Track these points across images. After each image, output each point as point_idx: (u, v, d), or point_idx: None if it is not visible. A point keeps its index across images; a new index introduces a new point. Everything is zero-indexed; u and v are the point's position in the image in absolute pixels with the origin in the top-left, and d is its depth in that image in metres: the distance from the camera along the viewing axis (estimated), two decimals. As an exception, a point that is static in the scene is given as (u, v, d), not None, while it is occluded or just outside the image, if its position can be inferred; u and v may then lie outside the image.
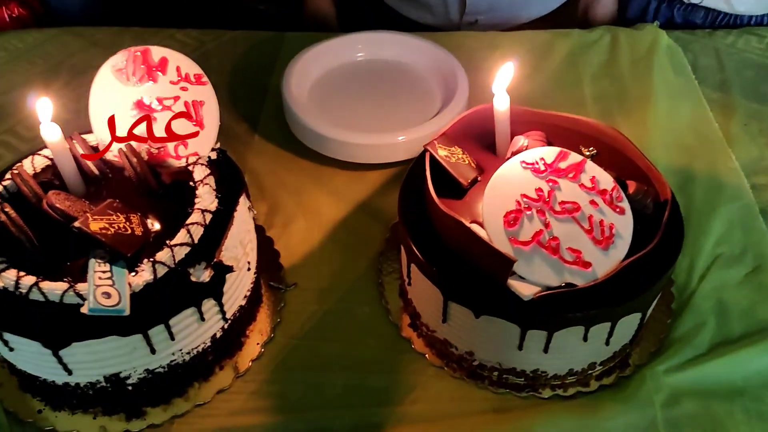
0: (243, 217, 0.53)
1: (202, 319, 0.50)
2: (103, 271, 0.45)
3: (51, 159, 0.53)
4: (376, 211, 0.65)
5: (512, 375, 0.52)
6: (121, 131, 0.51)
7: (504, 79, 0.52)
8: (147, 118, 0.50)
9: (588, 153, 0.54)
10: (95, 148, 0.54)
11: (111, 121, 0.49)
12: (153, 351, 0.48)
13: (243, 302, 0.54)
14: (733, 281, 0.58)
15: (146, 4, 0.97)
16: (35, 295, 0.45)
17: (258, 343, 0.56)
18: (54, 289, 0.45)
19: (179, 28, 0.84)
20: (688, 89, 0.76)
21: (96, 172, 0.53)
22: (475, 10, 0.95)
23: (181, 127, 0.52)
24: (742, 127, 0.71)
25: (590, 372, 0.53)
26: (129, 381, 0.49)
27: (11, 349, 0.48)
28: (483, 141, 0.56)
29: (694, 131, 0.72)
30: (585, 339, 0.48)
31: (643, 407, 0.50)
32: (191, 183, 0.52)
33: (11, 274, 0.45)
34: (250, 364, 0.54)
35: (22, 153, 0.61)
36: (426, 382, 0.53)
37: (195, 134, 0.53)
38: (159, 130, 0.52)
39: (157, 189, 0.53)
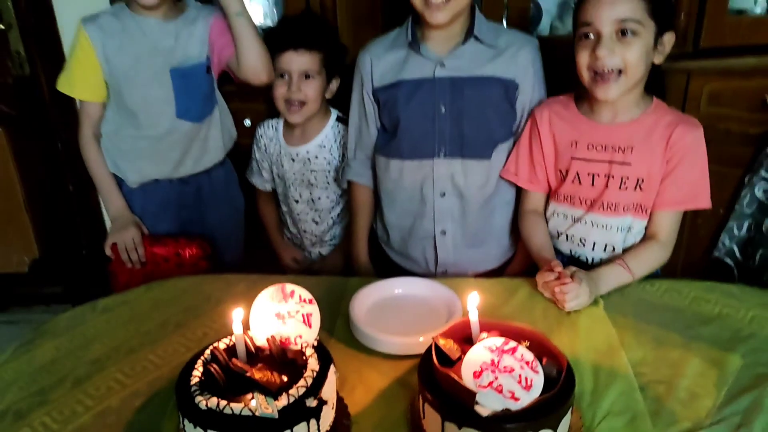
0: (331, 377, 0.94)
1: (308, 429, 0.89)
2: (263, 399, 0.87)
3: (230, 343, 0.97)
4: (406, 380, 1.03)
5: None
6: (267, 329, 0.95)
7: (473, 303, 0.97)
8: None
9: (524, 344, 0.96)
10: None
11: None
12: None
13: (328, 427, 0.94)
14: (618, 426, 0.94)
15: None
16: (227, 410, 0.86)
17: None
18: (236, 407, 0.86)
19: (286, 274, 1.34)
20: (600, 316, 1.19)
21: (253, 350, 0.97)
22: (443, 263, 1.45)
23: (298, 327, 0.97)
24: (635, 337, 1.13)
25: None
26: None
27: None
28: (465, 333, 0.99)
29: (603, 338, 1.13)
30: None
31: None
32: (304, 357, 0.95)
33: (214, 400, 0.87)
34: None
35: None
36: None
37: (306, 331, 0.97)
38: (287, 329, 0.96)
39: (286, 360, 0.96)
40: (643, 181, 1.28)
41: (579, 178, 1.32)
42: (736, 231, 1.88)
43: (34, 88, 2.12)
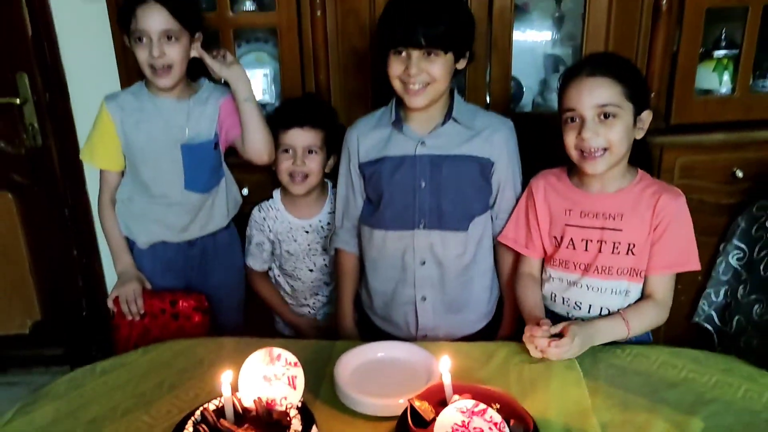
0: (313, 437, 1.01)
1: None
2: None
3: (219, 404, 1.03)
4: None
5: None
6: (255, 390, 1.02)
7: (446, 367, 1.04)
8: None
9: (494, 406, 1.02)
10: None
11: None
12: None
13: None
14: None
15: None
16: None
17: None
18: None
19: (275, 338, 1.41)
20: (575, 378, 1.25)
21: (240, 411, 1.03)
22: (423, 328, 1.53)
23: (283, 389, 1.04)
24: (604, 400, 1.19)
25: None
26: None
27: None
28: (440, 395, 1.05)
29: (574, 401, 1.18)
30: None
31: None
32: (288, 418, 1.01)
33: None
34: None
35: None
36: None
37: (291, 393, 1.04)
38: (273, 391, 1.03)
39: (271, 420, 1.02)
40: (634, 246, 1.38)
41: (573, 243, 1.41)
42: (713, 297, 1.95)
43: (46, 158, 2.24)
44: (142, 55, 1.56)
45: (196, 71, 1.69)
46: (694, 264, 1.39)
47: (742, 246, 1.88)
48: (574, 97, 1.34)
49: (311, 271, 1.84)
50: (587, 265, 1.41)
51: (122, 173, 1.72)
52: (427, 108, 1.45)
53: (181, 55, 1.58)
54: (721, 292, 1.94)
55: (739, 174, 1.89)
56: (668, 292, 1.40)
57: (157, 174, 1.66)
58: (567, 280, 1.44)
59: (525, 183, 1.56)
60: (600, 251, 1.40)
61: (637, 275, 1.39)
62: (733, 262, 1.91)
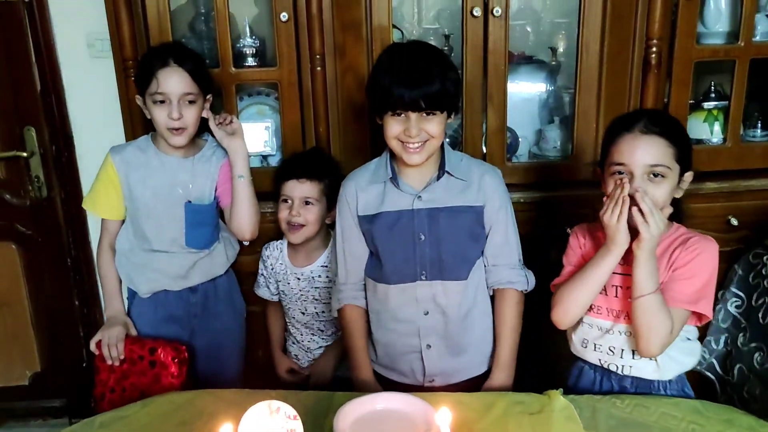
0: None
1: None
2: None
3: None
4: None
5: None
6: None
7: (444, 419, 1.04)
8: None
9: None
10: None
11: None
12: None
13: None
14: None
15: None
16: None
17: None
18: None
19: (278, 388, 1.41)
20: (575, 429, 1.24)
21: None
22: (431, 374, 1.54)
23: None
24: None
25: None
26: None
27: None
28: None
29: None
30: None
31: None
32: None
33: None
34: None
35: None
36: None
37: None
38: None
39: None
40: (663, 282, 1.34)
41: (605, 289, 1.40)
42: (714, 345, 1.95)
43: (50, 209, 2.27)
44: (160, 115, 1.60)
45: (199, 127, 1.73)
46: (705, 307, 1.35)
47: (740, 294, 1.90)
48: (627, 153, 1.34)
49: (303, 314, 1.88)
50: (618, 311, 1.40)
51: (122, 222, 1.75)
52: (422, 164, 1.49)
53: (197, 116, 1.64)
54: (722, 340, 1.94)
55: (734, 222, 1.91)
56: (678, 323, 1.33)
57: (159, 230, 1.69)
58: (598, 326, 1.43)
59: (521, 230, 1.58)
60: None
61: None
62: (732, 309, 1.92)
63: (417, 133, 1.42)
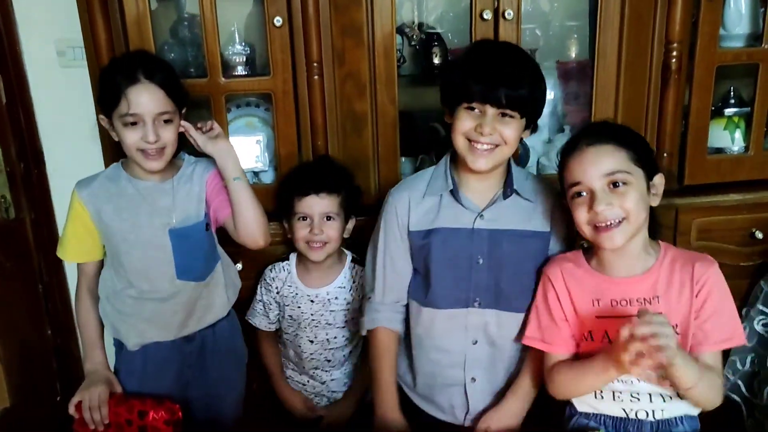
0: None
1: None
2: None
3: None
4: None
5: None
6: None
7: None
8: None
9: None
10: None
11: None
12: None
13: None
14: None
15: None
16: None
17: None
18: None
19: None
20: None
21: None
22: (474, 411, 1.40)
23: None
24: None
25: None
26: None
27: None
28: None
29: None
30: None
31: None
32: None
33: None
34: None
35: None
36: None
37: None
38: None
39: None
40: (677, 326, 1.23)
41: (608, 337, 1.25)
42: (739, 365, 1.84)
43: (19, 233, 2.08)
44: (131, 138, 1.39)
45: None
46: (740, 338, 1.27)
47: (767, 311, 1.79)
48: (579, 170, 1.24)
49: (311, 342, 1.72)
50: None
51: (101, 262, 1.55)
52: (487, 174, 1.35)
53: (175, 135, 1.44)
54: (747, 360, 1.83)
55: (759, 235, 1.81)
56: (720, 364, 1.27)
57: (144, 265, 1.48)
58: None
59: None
60: None
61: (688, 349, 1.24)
62: (759, 327, 1.81)
63: (490, 132, 1.28)
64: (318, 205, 1.61)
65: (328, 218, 1.62)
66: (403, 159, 1.85)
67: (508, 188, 1.37)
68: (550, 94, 1.98)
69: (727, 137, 1.86)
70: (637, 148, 1.25)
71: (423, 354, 1.43)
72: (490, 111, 1.27)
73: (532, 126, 1.36)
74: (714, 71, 1.74)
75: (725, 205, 1.80)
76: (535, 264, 1.39)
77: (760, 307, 1.79)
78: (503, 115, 1.28)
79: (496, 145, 1.30)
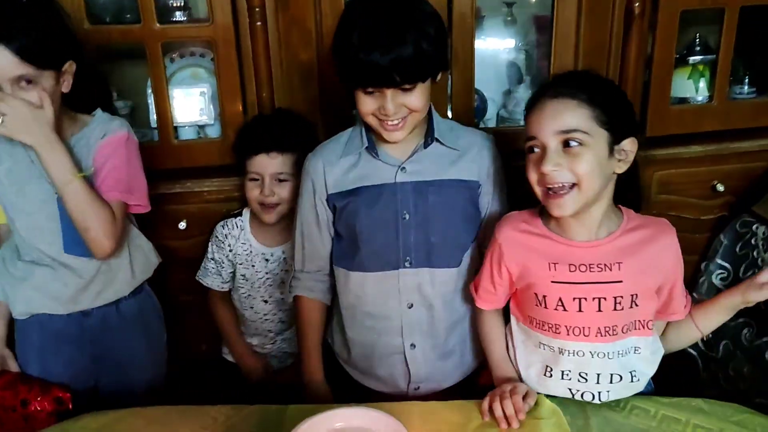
0: None
1: None
2: None
3: None
4: None
5: None
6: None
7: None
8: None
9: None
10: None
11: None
12: None
13: None
14: None
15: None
16: None
17: None
18: None
19: (214, 405, 1.20)
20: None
21: None
22: (417, 379, 1.34)
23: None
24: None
25: None
26: None
27: None
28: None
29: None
30: None
31: None
32: None
33: None
34: None
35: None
36: None
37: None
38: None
39: None
40: (637, 296, 1.15)
41: (563, 304, 1.16)
42: (696, 320, 1.82)
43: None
44: None
45: (88, 100, 1.37)
46: (689, 302, 1.24)
47: (726, 265, 1.76)
48: (534, 124, 1.13)
49: (265, 302, 1.66)
50: (585, 328, 1.16)
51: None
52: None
53: (47, 96, 1.21)
54: (705, 315, 1.81)
55: (720, 188, 1.77)
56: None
57: (29, 234, 1.35)
58: (559, 349, 1.18)
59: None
60: (599, 310, 1.15)
61: (644, 327, 1.18)
62: (717, 281, 1.78)
63: (395, 110, 1.19)
64: (269, 166, 1.52)
65: (280, 179, 1.54)
66: (355, 111, 1.76)
67: (429, 137, 1.29)
68: (509, 43, 1.92)
69: (691, 86, 1.80)
70: (607, 107, 1.11)
71: (356, 324, 1.37)
72: (389, 91, 1.18)
73: (442, 71, 1.26)
74: (678, 16, 1.66)
75: (687, 157, 1.75)
76: (465, 216, 1.31)
77: (719, 261, 1.77)
78: (404, 90, 1.18)
79: (407, 115, 1.21)
